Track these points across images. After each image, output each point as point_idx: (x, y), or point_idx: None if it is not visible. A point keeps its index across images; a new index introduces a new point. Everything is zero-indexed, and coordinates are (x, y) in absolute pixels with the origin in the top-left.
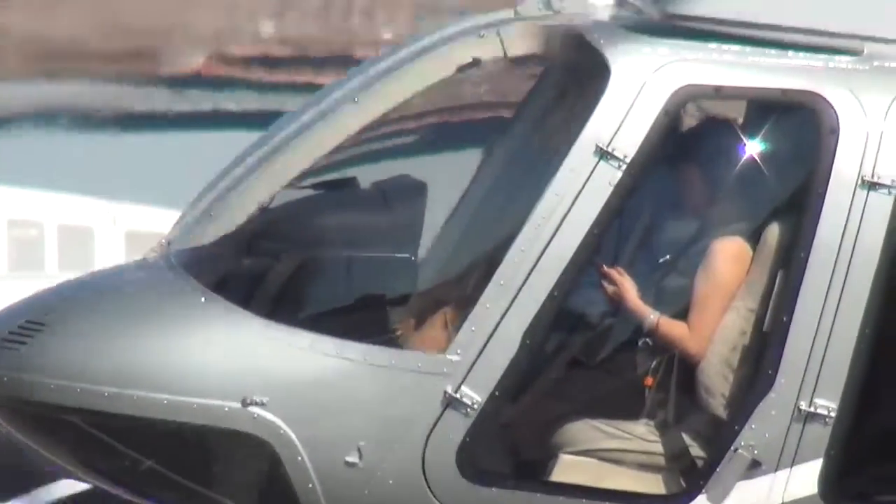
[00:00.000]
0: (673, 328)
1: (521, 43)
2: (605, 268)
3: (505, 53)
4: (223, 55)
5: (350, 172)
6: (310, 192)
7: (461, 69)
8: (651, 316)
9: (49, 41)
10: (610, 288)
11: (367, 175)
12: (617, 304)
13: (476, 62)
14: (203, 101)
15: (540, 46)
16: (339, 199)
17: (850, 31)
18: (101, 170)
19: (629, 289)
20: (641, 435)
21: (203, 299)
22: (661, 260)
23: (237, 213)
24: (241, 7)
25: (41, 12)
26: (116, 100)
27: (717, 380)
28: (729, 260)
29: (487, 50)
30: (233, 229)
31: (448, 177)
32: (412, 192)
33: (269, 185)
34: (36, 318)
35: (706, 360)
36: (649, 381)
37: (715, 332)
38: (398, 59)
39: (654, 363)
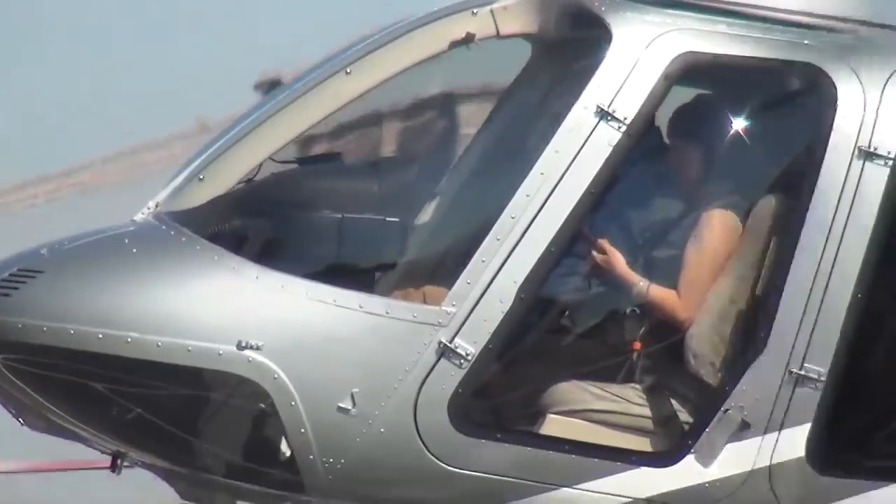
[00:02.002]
0: (663, 295)
1: (513, 20)
2: (595, 238)
3: (497, 31)
4: None
5: (341, 141)
6: (300, 158)
7: (454, 44)
8: (640, 283)
9: None
10: (599, 257)
11: (358, 144)
12: (606, 273)
13: (469, 38)
14: None
15: (533, 23)
16: (333, 165)
17: (846, 15)
18: None
19: (618, 258)
20: (629, 398)
21: (198, 247)
22: (653, 229)
23: (229, 176)
24: None
25: None
26: None
27: (706, 346)
28: (719, 230)
29: (480, 27)
30: (226, 189)
31: (441, 147)
32: (402, 162)
33: (262, 150)
34: (29, 266)
35: (695, 326)
36: (638, 345)
37: (704, 299)
38: (391, 33)
39: (643, 329)
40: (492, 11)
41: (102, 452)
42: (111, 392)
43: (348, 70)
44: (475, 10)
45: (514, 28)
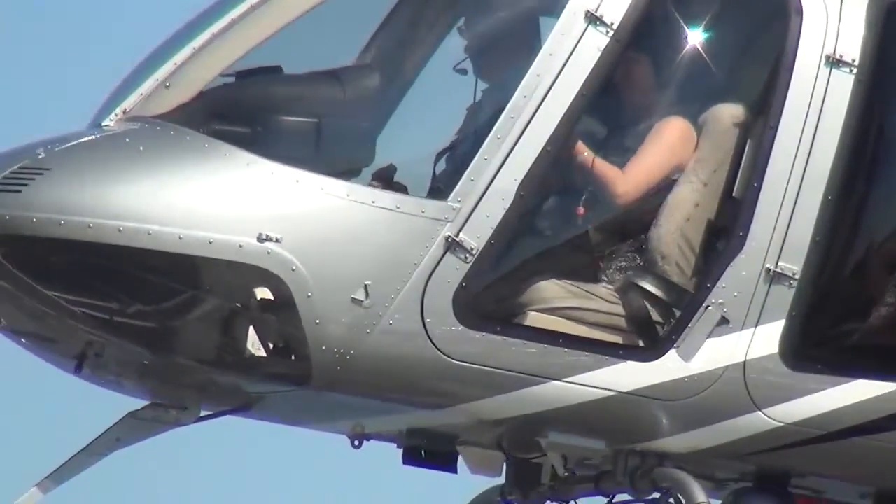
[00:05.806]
0: (606, 169)
1: None
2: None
3: None
4: None
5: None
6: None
7: None
8: (586, 153)
9: None
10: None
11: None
12: (580, 171)
13: None
14: None
15: None
16: (290, 75)
17: None
18: None
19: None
20: (603, 296)
21: (206, 145)
22: (617, 134)
23: (195, 84)
24: None
25: None
26: None
27: (673, 248)
28: (675, 132)
29: None
30: (194, 96)
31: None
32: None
33: (223, 59)
34: (32, 165)
35: (662, 228)
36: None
37: (648, 183)
38: None
39: (614, 230)
40: None
41: (60, 359)
42: (124, 283)
43: None
44: None
45: None
